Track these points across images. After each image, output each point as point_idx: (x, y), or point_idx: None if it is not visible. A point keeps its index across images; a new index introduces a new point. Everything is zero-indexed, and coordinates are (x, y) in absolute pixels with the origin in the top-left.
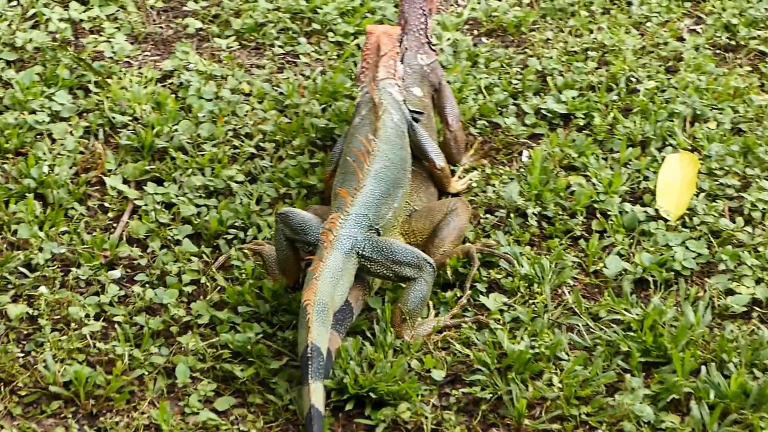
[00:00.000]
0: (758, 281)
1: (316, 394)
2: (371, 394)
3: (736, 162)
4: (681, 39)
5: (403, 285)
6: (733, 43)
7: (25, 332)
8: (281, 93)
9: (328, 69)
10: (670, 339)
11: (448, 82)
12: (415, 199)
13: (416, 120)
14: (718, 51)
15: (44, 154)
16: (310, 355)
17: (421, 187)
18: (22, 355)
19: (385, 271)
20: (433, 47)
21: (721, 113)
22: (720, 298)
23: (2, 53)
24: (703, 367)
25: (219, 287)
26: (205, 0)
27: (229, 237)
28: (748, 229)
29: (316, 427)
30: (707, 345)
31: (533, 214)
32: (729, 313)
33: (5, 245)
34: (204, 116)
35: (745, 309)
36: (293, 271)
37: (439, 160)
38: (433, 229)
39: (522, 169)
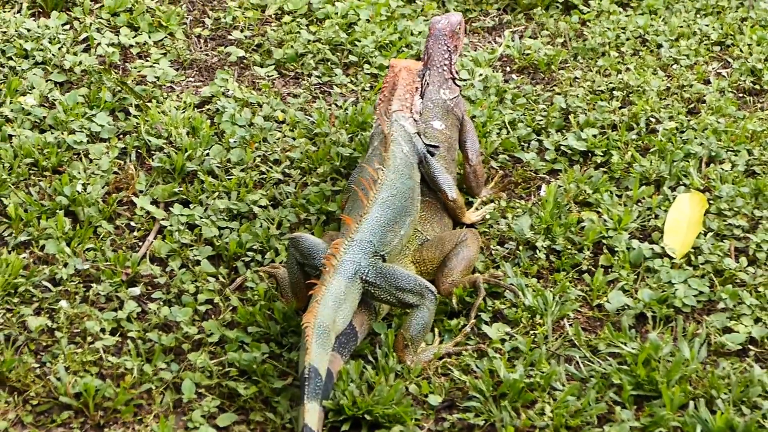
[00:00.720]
0: (756, 320)
1: (311, 414)
2: (367, 416)
3: (746, 203)
4: (707, 82)
5: (408, 311)
6: (757, 87)
7: (44, 344)
8: (312, 121)
9: (360, 100)
10: (664, 374)
11: (473, 117)
12: (428, 228)
13: (432, 153)
14: (741, 95)
15: (79, 173)
16: (307, 375)
17: (434, 218)
18: (38, 366)
19: (388, 297)
20: (458, 83)
21: (736, 155)
22: (717, 336)
23: (51, 75)
24: (692, 402)
25: (232, 307)
26: (249, 30)
27: (247, 259)
28: (751, 269)
29: None
30: (700, 381)
31: (542, 247)
32: (725, 350)
33: (33, 259)
34: (235, 141)
35: (740, 347)
36: (303, 294)
37: (451, 192)
38: (443, 258)
39: (536, 204)
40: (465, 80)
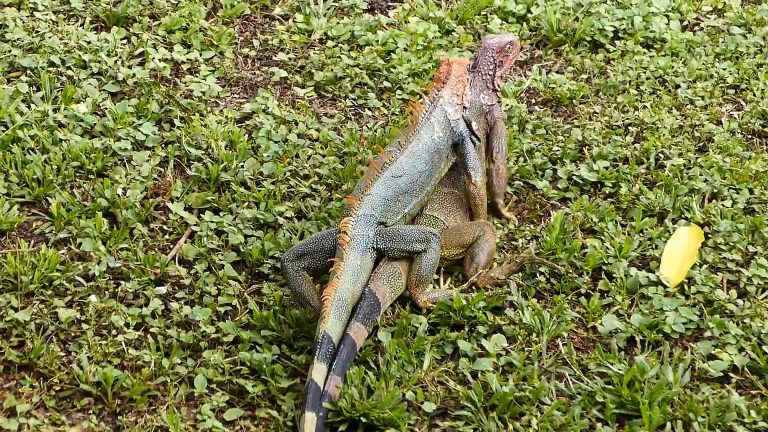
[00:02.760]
0: (740, 350)
1: (319, 372)
2: (363, 419)
3: (742, 239)
4: (718, 122)
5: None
6: (766, 129)
7: (72, 335)
8: (342, 141)
9: (389, 123)
10: (647, 395)
11: None
12: (450, 219)
13: (473, 142)
14: (750, 136)
15: (121, 177)
16: (320, 341)
17: (458, 212)
18: (64, 354)
19: (401, 253)
20: (499, 95)
21: (738, 193)
22: (701, 362)
23: (106, 85)
24: (669, 424)
25: (249, 310)
26: (294, 53)
27: (268, 266)
28: (740, 301)
29: (310, 396)
30: (681, 404)
31: (545, 271)
32: (707, 376)
33: (70, 256)
34: (269, 156)
35: (722, 374)
36: (315, 299)
37: (477, 176)
38: (469, 255)
39: (544, 228)
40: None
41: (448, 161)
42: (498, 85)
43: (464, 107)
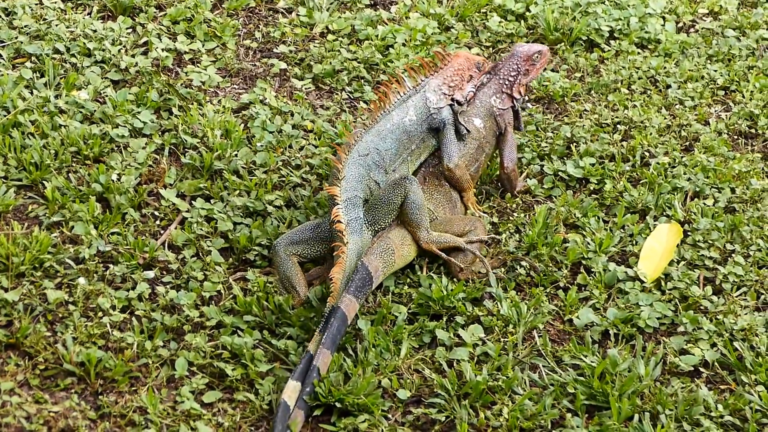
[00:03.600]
0: (712, 345)
1: (314, 344)
2: (338, 404)
3: (721, 237)
4: (706, 123)
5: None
6: (752, 131)
7: (60, 316)
8: (336, 132)
9: None
10: (618, 387)
11: None
12: (439, 210)
13: (460, 133)
14: (735, 137)
15: (116, 163)
16: (329, 314)
17: (447, 205)
18: (50, 335)
19: (391, 215)
20: (516, 101)
21: (719, 192)
22: (673, 356)
23: (109, 73)
24: (637, 416)
25: (233, 296)
26: (295, 45)
27: (255, 253)
28: (715, 298)
29: (301, 366)
30: (651, 396)
31: (525, 264)
32: (678, 370)
33: (62, 239)
34: (262, 145)
35: (693, 369)
36: (302, 283)
37: (449, 162)
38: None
39: (527, 223)
40: (519, 101)
41: (425, 145)
42: (519, 92)
43: (458, 102)
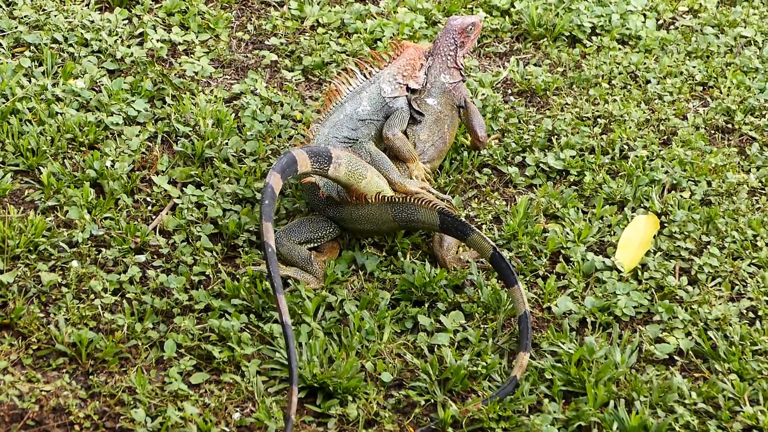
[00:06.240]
0: (687, 334)
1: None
2: (323, 386)
3: (697, 229)
4: (684, 117)
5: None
6: (729, 126)
7: (53, 297)
8: None
9: None
10: (595, 374)
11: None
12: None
13: (415, 118)
14: (713, 131)
15: (111, 150)
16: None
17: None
18: (43, 316)
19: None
20: (463, 74)
21: (696, 185)
22: (649, 344)
23: (105, 63)
24: (613, 402)
25: (221, 280)
26: (286, 38)
27: (243, 239)
28: (690, 288)
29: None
30: (626, 383)
31: (506, 252)
32: (653, 358)
33: (57, 223)
34: (252, 134)
35: (668, 357)
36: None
37: (389, 131)
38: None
39: (508, 212)
40: (464, 72)
41: (372, 130)
42: (461, 64)
43: (408, 87)
